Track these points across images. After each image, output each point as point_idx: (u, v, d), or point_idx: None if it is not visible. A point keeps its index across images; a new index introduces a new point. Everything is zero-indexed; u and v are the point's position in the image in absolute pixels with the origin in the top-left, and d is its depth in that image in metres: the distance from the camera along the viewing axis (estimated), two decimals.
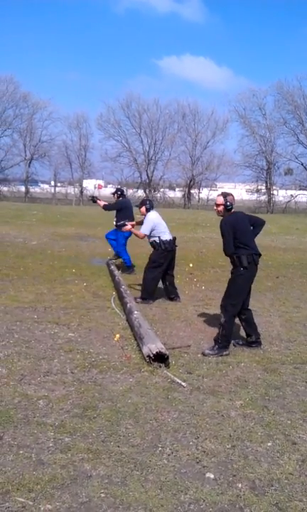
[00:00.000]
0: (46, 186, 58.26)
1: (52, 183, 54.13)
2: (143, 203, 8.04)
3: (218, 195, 5.54)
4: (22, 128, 51.07)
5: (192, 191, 51.48)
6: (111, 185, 57.05)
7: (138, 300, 7.57)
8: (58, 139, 51.93)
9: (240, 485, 3.04)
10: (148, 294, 7.75)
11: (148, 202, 8.06)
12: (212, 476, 3.12)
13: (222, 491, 2.97)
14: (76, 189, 51.74)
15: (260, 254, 5.53)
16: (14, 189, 52.67)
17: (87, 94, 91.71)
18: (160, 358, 4.86)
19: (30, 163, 51.44)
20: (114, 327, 6.29)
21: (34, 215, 27.22)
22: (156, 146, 50.78)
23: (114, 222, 10.21)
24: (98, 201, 10.18)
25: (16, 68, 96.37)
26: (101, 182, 58.99)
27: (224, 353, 5.38)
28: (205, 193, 53.17)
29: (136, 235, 8.00)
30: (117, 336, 5.78)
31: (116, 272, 9.63)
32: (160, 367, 4.82)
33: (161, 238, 7.66)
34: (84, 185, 53.36)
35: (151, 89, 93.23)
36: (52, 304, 7.35)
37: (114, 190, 10.94)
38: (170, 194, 53.31)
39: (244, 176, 50.16)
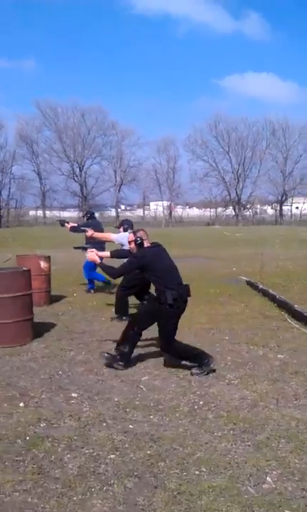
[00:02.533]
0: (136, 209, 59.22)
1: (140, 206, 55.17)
2: (122, 223, 8.03)
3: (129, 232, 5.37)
4: (111, 155, 52.81)
5: (283, 207, 50.36)
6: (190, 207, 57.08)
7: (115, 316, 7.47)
8: (147, 163, 53.09)
9: None
10: (122, 312, 7.48)
11: (126, 222, 8.01)
12: None
13: None
14: (165, 211, 52.31)
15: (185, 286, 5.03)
16: (104, 214, 54.30)
17: (165, 119, 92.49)
18: None
19: (119, 188, 52.86)
20: None
21: None
22: (245, 163, 50.42)
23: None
24: (66, 224, 9.72)
25: (101, 97, 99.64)
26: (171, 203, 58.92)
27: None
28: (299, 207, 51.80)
29: (101, 238, 7.89)
30: None
31: (272, 291, 9.21)
32: None
33: None
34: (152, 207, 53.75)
35: (213, 109, 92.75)
36: (232, 326, 7.04)
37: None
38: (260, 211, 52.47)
39: None
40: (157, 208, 55.92)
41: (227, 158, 51.04)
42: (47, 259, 9.34)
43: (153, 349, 5.70)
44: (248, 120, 50.07)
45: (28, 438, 3.58)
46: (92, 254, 5.56)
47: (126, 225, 7.88)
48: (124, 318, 7.35)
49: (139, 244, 5.12)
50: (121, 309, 7.53)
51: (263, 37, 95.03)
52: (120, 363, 5.03)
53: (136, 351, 5.29)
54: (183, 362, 5.08)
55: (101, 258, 5.79)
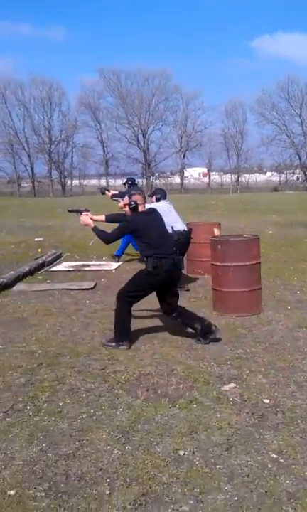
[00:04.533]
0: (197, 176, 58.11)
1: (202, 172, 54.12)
2: (154, 192, 7.61)
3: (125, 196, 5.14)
4: (175, 120, 51.76)
5: None
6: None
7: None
8: (213, 128, 51.75)
9: None
10: None
11: (159, 191, 7.58)
12: None
13: None
14: (233, 176, 51.19)
15: (175, 258, 4.90)
16: (165, 181, 53.63)
17: (202, 79, 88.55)
18: None
19: (184, 154, 51.96)
20: None
21: (216, 206, 26.92)
22: None
23: None
24: (107, 192, 9.33)
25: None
26: (204, 170, 57.39)
27: (122, 347, 4.82)
28: None
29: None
30: None
31: None
32: None
33: (174, 229, 7.00)
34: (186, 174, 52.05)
35: (247, 72, 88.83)
36: None
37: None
38: None
39: None
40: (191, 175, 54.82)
41: (297, 121, 49.25)
42: (219, 226, 9.14)
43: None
44: None
45: None
46: (86, 218, 5.21)
47: (159, 194, 7.49)
48: None
49: (133, 208, 4.99)
50: None
51: None
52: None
53: None
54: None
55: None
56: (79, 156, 53.14)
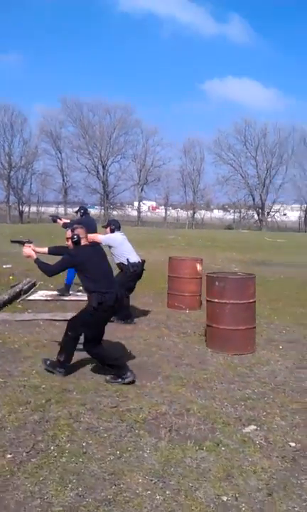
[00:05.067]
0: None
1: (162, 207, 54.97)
2: (109, 223, 7.67)
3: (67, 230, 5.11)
4: (135, 153, 52.59)
5: None
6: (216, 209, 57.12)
7: (120, 321, 7.20)
8: (171, 164, 52.84)
9: None
10: (126, 315, 7.42)
11: (113, 223, 7.64)
12: None
13: None
14: (189, 212, 52.19)
15: (117, 293, 4.88)
16: (122, 213, 53.98)
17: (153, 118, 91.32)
18: None
19: (142, 188, 52.65)
20: None
21: (176, 240, 27.25)
22: (271, 170, 50.50)
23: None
24: (59, 220, 9.25)
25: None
26: (153, 203, 58.85)
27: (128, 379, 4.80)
28: None
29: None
30: None
31: None
32: None
33: (129, 260, 7.29)
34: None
35: (200, 113, 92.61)
36: None
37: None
38: (283, 218, 52.53)
39: None
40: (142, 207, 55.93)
41: (252, 163, 51.19)
42: (201, 261, 9.23)
43: None
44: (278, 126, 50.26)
45: None
46: (28, 249, 5.18)
47: (114, 225, 7.50)
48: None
49: (75, 242, 4.95)
50: (130, 313, 7.53)
51: (243, 41, 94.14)
52: (59, 370, 4.93)
53: None
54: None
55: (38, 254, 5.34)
56: (38, 183, 52.76)
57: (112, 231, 7.45)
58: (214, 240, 28.46)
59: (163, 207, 55.82)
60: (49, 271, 5.01)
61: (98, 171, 51.99)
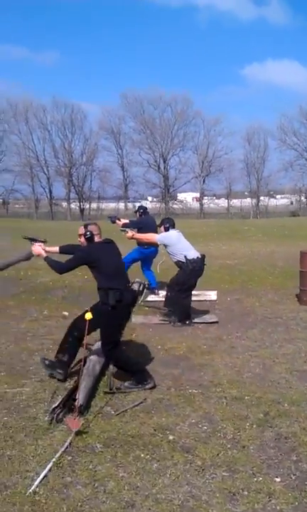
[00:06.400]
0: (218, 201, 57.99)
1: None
2: (162, 222, 7.51)
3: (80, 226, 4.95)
4: (196, 145, 51.95)
5: None
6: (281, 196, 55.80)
7: (178, 324, 6.98)
8: (233, 153, 51.75)
9: None
10: (185, 316, 7.12)
11: (167, 221, 7.44)
12: None
13: None
14: (253, 201, 51.11)
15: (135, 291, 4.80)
16: (183, 206, 53.66)
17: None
18: None
19: (203, 179, 51.97)
20: None
21: (250, 231, 26.53)
22: None
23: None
24: (118, 221, 8.76)
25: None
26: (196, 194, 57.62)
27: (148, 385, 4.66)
28: None
29: (143, 239, 7.60)
30: None
31: None
32: None
33: (187, 257, 6.89)
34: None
35: (242, 99, 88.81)
36: None
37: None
38: None
39: None
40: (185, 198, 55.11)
41: None
42: None
43: None
44: None
45: None
46: (38, 248, 5.07)
47: (168, 223, 7.29)
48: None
49: (88, 239, 4.81)
50: (188, 314, 7.17)
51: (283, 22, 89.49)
52: (59, 371, 4.81)
53: None
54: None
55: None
56: (98, 180, 53.16)
57: (166, 229, 7.33)
58: (290, 228, 27.58)
59: (207, 197, 54.62)
60: (59, 268, 4.87)
61: (159, 166, 51.78)
